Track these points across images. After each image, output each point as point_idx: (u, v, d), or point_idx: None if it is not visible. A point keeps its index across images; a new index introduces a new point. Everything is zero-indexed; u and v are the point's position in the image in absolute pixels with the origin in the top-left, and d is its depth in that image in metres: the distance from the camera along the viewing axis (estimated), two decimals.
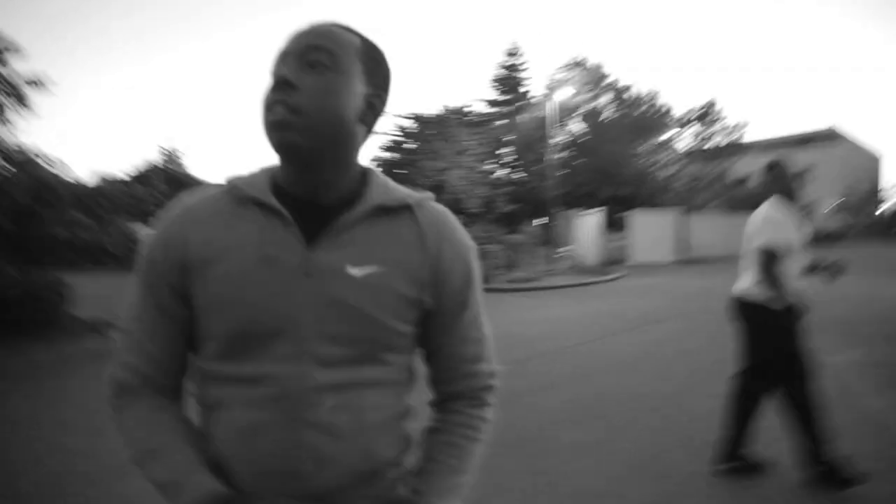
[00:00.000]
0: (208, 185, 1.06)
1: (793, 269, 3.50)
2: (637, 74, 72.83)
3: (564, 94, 27.65)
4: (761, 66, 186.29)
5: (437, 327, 1.08)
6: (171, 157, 38.32)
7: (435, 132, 19.99)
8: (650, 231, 24.69)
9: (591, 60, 31.98)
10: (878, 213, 62.07)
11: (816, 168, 62.11)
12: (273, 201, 0.97)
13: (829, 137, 64.63)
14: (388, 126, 26.95)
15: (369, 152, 32.11)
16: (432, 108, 27.97)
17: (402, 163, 19.90)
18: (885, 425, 4.55)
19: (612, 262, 23.61)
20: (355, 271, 0.96)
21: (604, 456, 4.06)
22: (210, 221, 0.99)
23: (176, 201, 1.03)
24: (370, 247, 0.99)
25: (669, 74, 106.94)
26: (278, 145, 0.94)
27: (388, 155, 21.26)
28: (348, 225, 0.97)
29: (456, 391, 1.13)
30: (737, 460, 3.61)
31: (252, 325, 0.94)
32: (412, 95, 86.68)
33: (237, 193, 1.00)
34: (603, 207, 25.11)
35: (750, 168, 57.80)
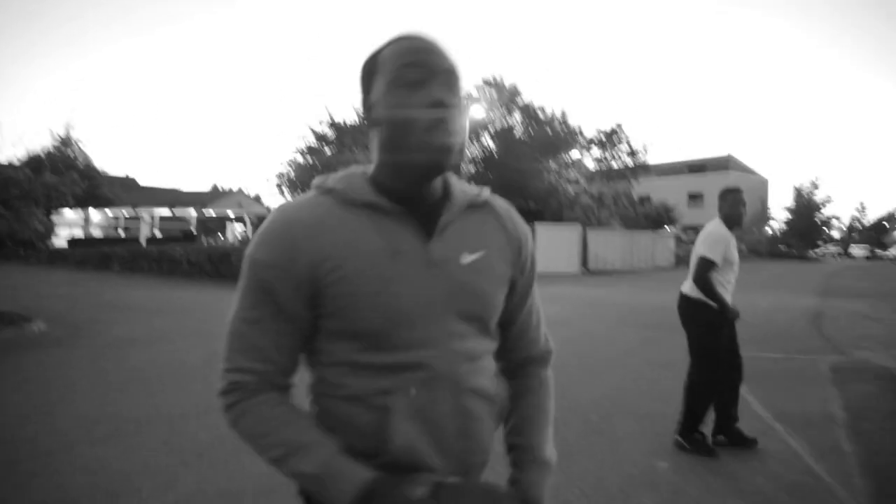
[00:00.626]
0: (302, 195, 1.12)
1: (727, 278, 4.25)
2: (549, 96, 75.05)
3: (477, 108, 28.52)
4: (665, 93, 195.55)
5: (514, 300, 1.22)
6: (66, 144, 36.79)
7: (352, 141, 20.23)
8: (555, 243, 25.80)
9: (507, 80, 33.07)
10: (766, 232, 66.45)
11: (711, 192, 66.25)
12: (387, 203, 1.06)
13: (722, 163, 68.96)
14: (304, 132, 27.01)
15: (284, 156, 31.80)
16: (349, 115, 28.29)
17: (319, 169, 20.01)
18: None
19: None
20: (466, 258, 1.09)
21: None
22: (324, 226, 1.04)
23: (277, 213, 1.08)
24: (470, 236, 1.12)
25: (580, 97, 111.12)
26: (437, 165, 1.03)
27: (301, 160, 21.21)
28: (451, 219, 1.10)
29: (528, 356, 1.31)
30: (697, 436, 4.27)
31: (396, 314, 1.02)
32: (330, 101, 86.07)
33: (342, 198, 1.07)
34: None
35: (649, 189, 61.06)
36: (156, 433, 4.54)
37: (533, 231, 26.06)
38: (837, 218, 67.77)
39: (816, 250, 68.26)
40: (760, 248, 58.56)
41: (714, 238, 4.22)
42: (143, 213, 39.32)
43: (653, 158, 65.02)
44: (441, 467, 1.07)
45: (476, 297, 1.10)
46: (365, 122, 1.11)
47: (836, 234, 74.98)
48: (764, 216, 66.56)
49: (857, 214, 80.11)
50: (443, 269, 1.07)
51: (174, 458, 4.03)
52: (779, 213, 69.87)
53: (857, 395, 6.02)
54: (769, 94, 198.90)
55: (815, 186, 65.89)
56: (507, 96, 32.81)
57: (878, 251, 72.42)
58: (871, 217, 78.23)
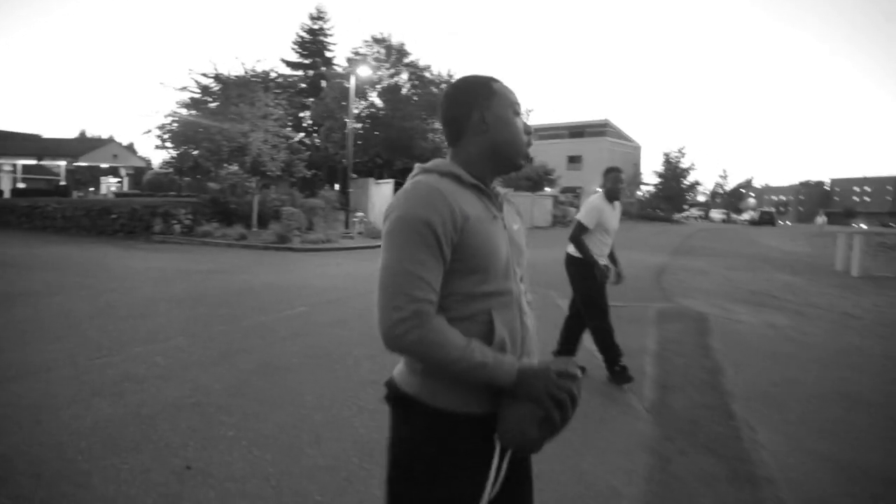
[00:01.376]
0: (429, 175, 1.53)
1: (603, 240, 5.18)
2: (439, 57, 75.60)
3: (365, 68, 28.67)
4: (549, 58, 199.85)
5: None
6: None
7: (237, 94, 19.97)
8: None
9: (395, 38, 33.31)
10: (638, 195, 70.59)
11: (588, 155, 69.36)
12: (483, 186, 1.55)
13: (600, 128, 72.30)
14: (187, 82, 26.13)
15: (166, 108, 30.61)
16: (233, 67, 27.57)
17: (202, 122, 19.65)
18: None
19: None
20: (515, 226, 1.63)
21: (377, 366, 5.43)
22: (456, 196, 1.45)
23: (424, 185, 1.45)
24: (510, 213, 1.65)
25: (467, 58, 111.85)
26: (520, 166, 1.63)
27: (184, 111, 20.68)
28: (501, 201, 1.61)
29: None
30: (619, 365, 5.15)
31: (496, 258, 1.48)
32: (211, 50, 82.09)
33: (458, 179, 1.51)
34: (396, 179, 26.68)
35: (532, 151, 63.13)
36: (65, 372, 4.93)
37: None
38: (699, 183, 72.68)
39: (682, 214, 73.48)
40: (632, 211, 62.20)
41: (590, 207, 5.15)
42: (5, 162, 36.69)
43: (536, 121, 67.62)
44: (516, 355, 1.51)
45: (522, 252, 1.64)
46: (478, 126, 1.56)
47: (700, 199, 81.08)
48: (636, 180, 70.53)
49: (720, 181, 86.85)
50: (509, 231, 1.58)
51: (86, 390, 4.48)
52: (650, 178, 74.10)
53: (670, 332, 7.29)
54: (647, 64, 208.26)
55: (682, 154, 70.32)
56: (394, 54, 33.07)
57: (734, 215, 78.79)
58: (732, 183, 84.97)
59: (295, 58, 42.47)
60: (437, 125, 33.31)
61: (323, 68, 38.69)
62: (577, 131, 73.90)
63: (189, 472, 3.25)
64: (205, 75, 20.59)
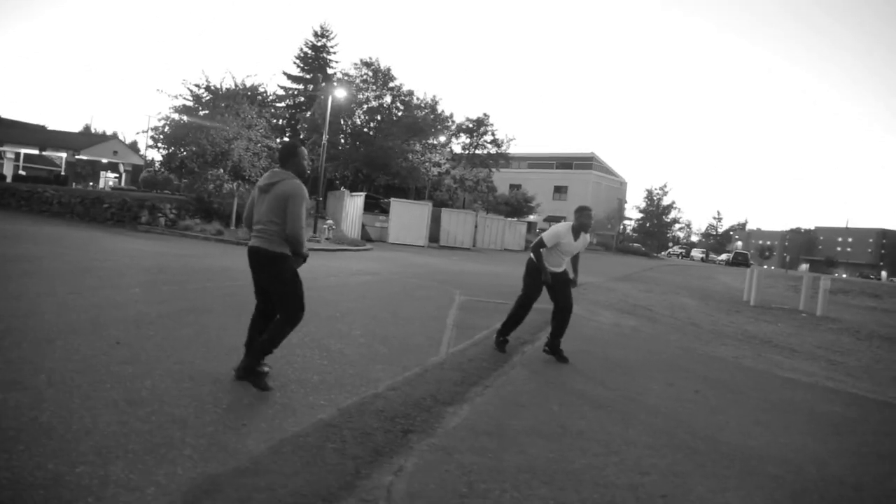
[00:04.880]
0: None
1: (557, 257, 6.78)
2: (425, 84, 78.45)
3: (342, 90, 30.96)
4: (536, 90, 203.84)
5: None
6: None
7: (225, 105, 22.09)
8: (407, 218, 28.88)
9: (382, 62, 35.71)
10: (620, 229, 72.98)
11: (574, 187, 71.57)
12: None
13: (587, 161, 74.80)
14: (181, 90, 28.31)
15: (160, 109, 32.62)
16: (227, 78, 29.76)
17: (191, 129, 21.75)
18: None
19: (373, 238, 27.49)
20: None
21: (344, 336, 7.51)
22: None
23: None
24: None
25: (453, 87, 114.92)
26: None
27: (176, 116, 22.72)
28: None
29: None
30: (503, 338, 7.06)
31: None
32: (210, 60, 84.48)
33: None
34: (370, 192, 28.90)
35: (521, 179, 65.60)
36: (50, 300, 6.95)
37: (389, 206, 29.04)
38: (679, 221, 74.98)
39: (665, 251, 75.84)
40: (610, 244, 64.45)
41: (554, 231, 6.73)
42: (8, 149, 38.70)
43: (526, 151, 70.07)
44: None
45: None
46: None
47: (681, 236, 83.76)
48: (620, 215, 73.01)
49: (713, 222, 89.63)
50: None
51: (65, 311, 6.50)
52: (633, 213, 76.56)
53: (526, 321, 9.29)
54: (637, 100, 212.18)
55: (665, 191, 72.85)
56: (380, 78, 35.44)
57: (712, 254, 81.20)
58: (727, 225, 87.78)
59: (296, 71, 45.01)
60: (417, 146, 35.68)
61: (323, 84, 41.08)
62: (565, 163, 76.36)
63: (118, 346, 5.29)
64: (197, 86, 22.76)
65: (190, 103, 22.53)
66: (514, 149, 46.29)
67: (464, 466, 3.60)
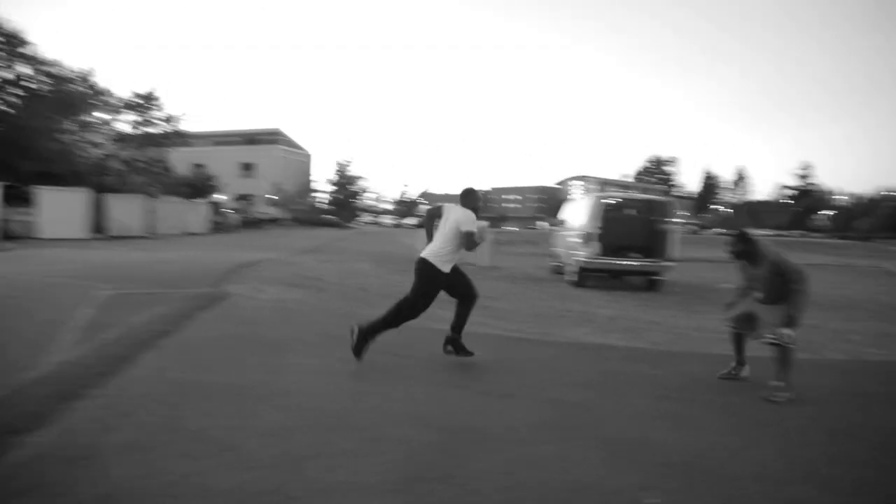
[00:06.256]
0: None
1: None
2: (74, 52, 69.57)
3: None
4: (220, 65, 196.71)
5: None
6: None
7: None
8: (60, 208, 25.13)
9: (8, 24, 29.72)
10: (309, 202, 73.08)
11: (262, 163, 69.98)
12: None
13: (272, 137, 73.39)
14: None
15: None
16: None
17: None
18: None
19: (13, 235, 23.35)
20: None
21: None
22: None
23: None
24: None
25: (117, 59, 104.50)
26: None
27: None
28: None
29: None
30: (366, 337, 5.80)
31: None
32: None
33: None
34: (12, 182, 24.48)
35: (204, 157, 61.75)
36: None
37: (34, 196, 24.81)
38: (367, 190, 77.96)
39: (359, 220, 78.04)
40: (302, 217, 64.18)
41: (469, 217, 6.02)
42: None
43: (209, 127, 66.25)
44: None
45: None
46: None
47: (375, 205, 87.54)
48: (308, 188, 73.20)
49: (404, 190, 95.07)
50: None
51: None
52: (325, 186, 77.49)
53: (172, 309, 8.32)
54: (323, 75, 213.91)
55: (349, 164, 75.10)
56: (7, 43, 29.66)
57: (402, 220, 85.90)
58: (416, 194, 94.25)
59: None
60: (72, 126, 31.16)
61: None
62: (251, 139, 74.01)
63: None
64: None
65: None
66: (199, 127, 43.20)
67: None
